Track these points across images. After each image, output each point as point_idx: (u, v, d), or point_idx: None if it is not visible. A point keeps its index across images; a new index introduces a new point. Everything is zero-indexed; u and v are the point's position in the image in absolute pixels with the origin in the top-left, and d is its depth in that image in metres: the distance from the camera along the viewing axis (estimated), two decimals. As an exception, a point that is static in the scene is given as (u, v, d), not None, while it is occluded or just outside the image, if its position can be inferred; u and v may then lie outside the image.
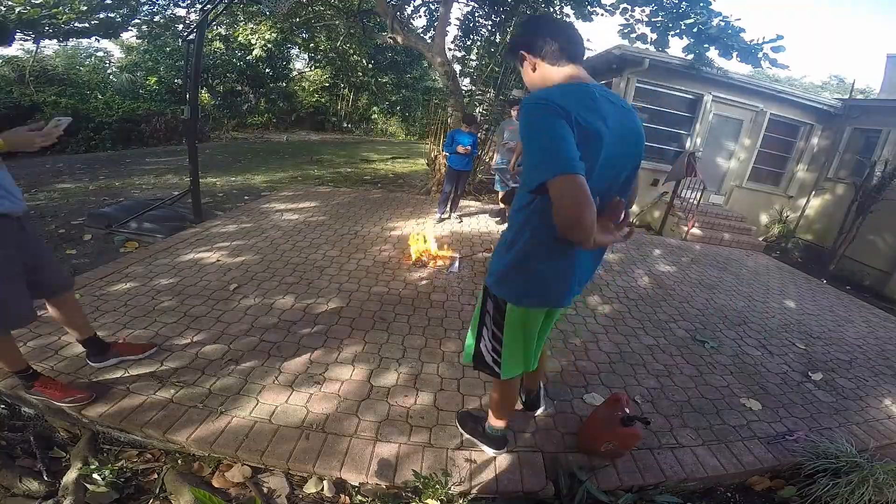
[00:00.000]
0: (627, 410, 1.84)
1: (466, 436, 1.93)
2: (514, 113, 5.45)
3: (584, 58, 1.28)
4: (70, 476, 1.62)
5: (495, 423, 1.82)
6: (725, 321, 3.57)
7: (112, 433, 1.86)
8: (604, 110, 1.14)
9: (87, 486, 1.60)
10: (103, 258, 3.53)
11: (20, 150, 1.57)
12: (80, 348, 2.22)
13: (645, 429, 1.98)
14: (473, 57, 9.21)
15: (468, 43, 9.32)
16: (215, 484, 1.70)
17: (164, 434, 1.77)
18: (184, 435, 1.77)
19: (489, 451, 1.87)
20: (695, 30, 5.77)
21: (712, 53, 6.12)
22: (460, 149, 5.03)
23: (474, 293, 3.40)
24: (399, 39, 7.28)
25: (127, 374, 2.07)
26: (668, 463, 1.94)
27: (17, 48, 12.57)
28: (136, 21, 9.78)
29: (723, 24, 5.64)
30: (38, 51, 11.82)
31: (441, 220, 5.27)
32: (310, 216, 4.95)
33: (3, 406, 1.96)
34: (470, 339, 1.64)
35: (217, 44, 14.01)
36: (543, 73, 1.26)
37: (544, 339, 1.70)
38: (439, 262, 3.87)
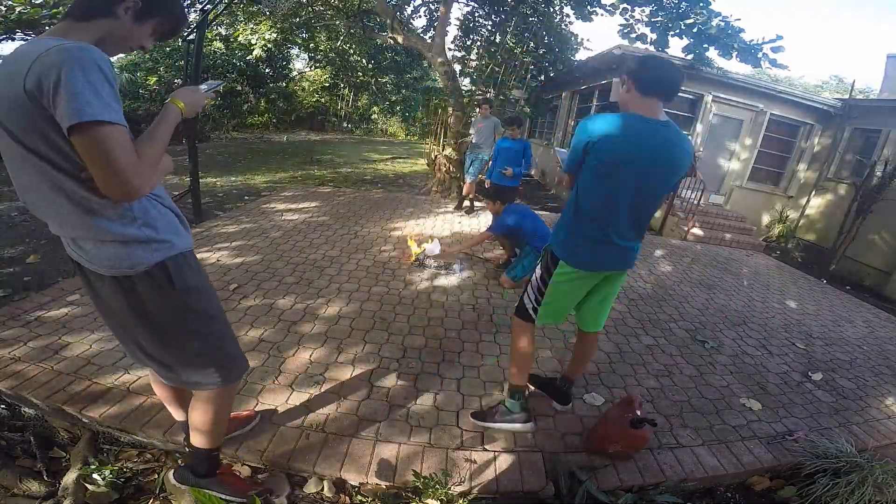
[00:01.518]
0: (639, 412, 1.84)
1: (493, 426, 1.97)
2: (482, 111, 5.51)
3: (665, 94, 1.60)
4: (70, 476, 1.62)
5: (514, 373, 1.96)
6: (725, 321, 3.56)
7: (112, 433, 1.86)
8: (643, 144, 1.55)
9: (87, 486, 1.60)
10: (103, 258, 3.53)
11: (192, 116, 1.24)
12: (80, 349, 2.22)
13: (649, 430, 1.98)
14: (473, 57, 9.23)
15: (468, 43, 9.34)
16: None
17: (165, 434, 1.77)
18: (184, 435, 1.77)
19: (520, 427, 1.95)
20: (695, 30, 5.77)
21: (712, 53, 6.13)
22: (507, 172, 4.62)
23: (474, 293, 3.40)
24: (399, 39, 7.28)
25: (127, 375, 2.07)
26: (668, 463, 1.94)
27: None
28: (136, 21, 9.77)
29: (723, 24, 5.64)
30: (38, 51, 11.77)
31: None
32: (310, 216, 4.95)
33: (3, 406, 1.96)
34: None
35: (217, 44, 14.02)
36: (631, 95, 1.62)
37: (603, 312, 1.94)
38: (440, 261, 3.86)
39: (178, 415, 1.64)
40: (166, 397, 1.58)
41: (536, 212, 4.06)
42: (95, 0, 1.05)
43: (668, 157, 1.59)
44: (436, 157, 7.48)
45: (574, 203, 1.70)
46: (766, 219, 8.34)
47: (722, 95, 7.45)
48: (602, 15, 7.33)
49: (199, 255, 3.55)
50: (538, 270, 1.83)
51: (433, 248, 3.84)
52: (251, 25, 9.95)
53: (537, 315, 1.85)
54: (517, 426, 1.96)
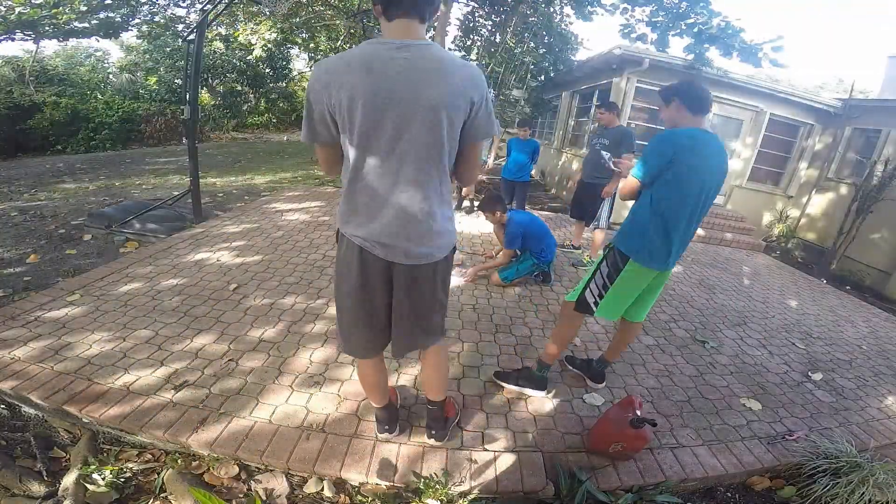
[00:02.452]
0: (639, 412, 1.84)
1: (511, 387, 2.24)
2: None
3: (708, 111, 1.93)
4: (70, 476, 1.62)
5: (550, 353, 2.20)
6: (725, 321, 3.56)
7: (112, 433, 1.86)
8: (710, 156, 1.84)
9: (87, 486, 1.60)
10: (103, 258, 3.53)
11: None
12: (80, 349, 2.22)
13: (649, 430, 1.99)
14: (473, 57, 9.22)
15: (468, 43, 9.33)
16: (207, 480, 1.69)
17: (165, 434, 1.78)
18: (184, 435, 1.77)
19: (536, 394, 2.22)
20: (695, 30, 5.77)
21: (712, 53, 6.13)
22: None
23: (474, 293, 3.40)
24: (399, 39, 7.28)
25: (127, 375, 2.07)
26: (668, 463, 1.94)
27: (18, 48, 12.58)
28: (136, 21, 9.77)
29: (723, 23, 5.65)
30: (38, 51, 11.82)
31: None
32: (310, 216, 4.95)
33: (3, 406, 1.96)
34: (580, 286, 2.11)
35: (217, 44, 14.03)
36: (683, 115, 1.90)
37: (650, 303, 2.17)
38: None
39: (381, 401, 1.81)
40: (378, 383, 1.74)
41: (537, 212, 4.07)
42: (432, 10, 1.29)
43: (723, 165, 1.89)
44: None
45: (650, 208, 1.90)
46: (766, 218, 8.33)
47: (722, 95, 7.43)
48: (602, 14, 7.35)
49: (199, 256, 3.56)
50: (604, 268, 2.01)
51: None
52: (251, 25, 9.96)
53: (597, 308, 2.04)
54: (534, 392, 2.23)
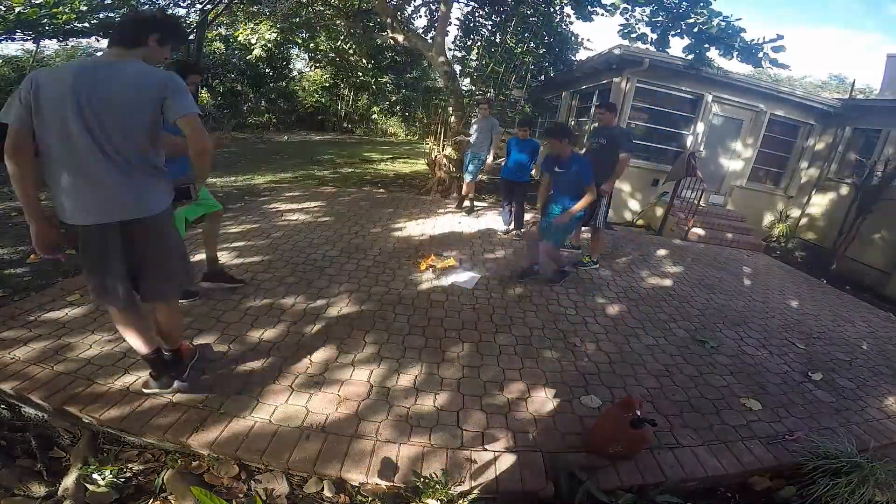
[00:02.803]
0: (639, 413, 1.84)
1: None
2: (482, 111, 5.56)
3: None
4: (70, 476, 1.62)
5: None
6: (725, 321, 3.56)
7: (112, 433, 1.86)
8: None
9: (87, 486, 1.60)
10: (103, 258, 3.52)
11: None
12: (80, 349, 2.22)
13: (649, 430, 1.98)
14: (473, 57, 9.23)
15: (468, 43, 9.33)
16: (207, 480, 1.69)
17: (165, 434, 1.78)
18: (184, 435, 1.78)
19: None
20: (695, 30, 5.76)
21: (713, 53, 6.11)
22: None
23: (474, 293, 3.40)
24: (399, 39, 7.29)
25: (127, 375, 2.07)
26: (668, 463, 1.94)
27: (17, 48, 12.56)
28: (137, 21, 9.78)
29: (723, 24, 5.64)
30: (38, 51, 11.82)
31: (507, 231, 5.14)
32: (310, 216, 4.95)
33: (3, 406, 1.96)
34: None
35: (217, 44, 14.02)
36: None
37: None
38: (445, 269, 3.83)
39: (146, 347, 1.89)
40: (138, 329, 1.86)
41: (537, 212, 4.08)
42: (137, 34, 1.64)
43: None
44: (436, 156, 7.46)
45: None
46: (766, 219, 8.34)
47: (722, 95, 7.44)
48: (602, 15, 7.33)
49: (199, 256, 3.55)
50: None
51: (461, 278, 3.64)
52: (251, 25, 9.96)
53: None
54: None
